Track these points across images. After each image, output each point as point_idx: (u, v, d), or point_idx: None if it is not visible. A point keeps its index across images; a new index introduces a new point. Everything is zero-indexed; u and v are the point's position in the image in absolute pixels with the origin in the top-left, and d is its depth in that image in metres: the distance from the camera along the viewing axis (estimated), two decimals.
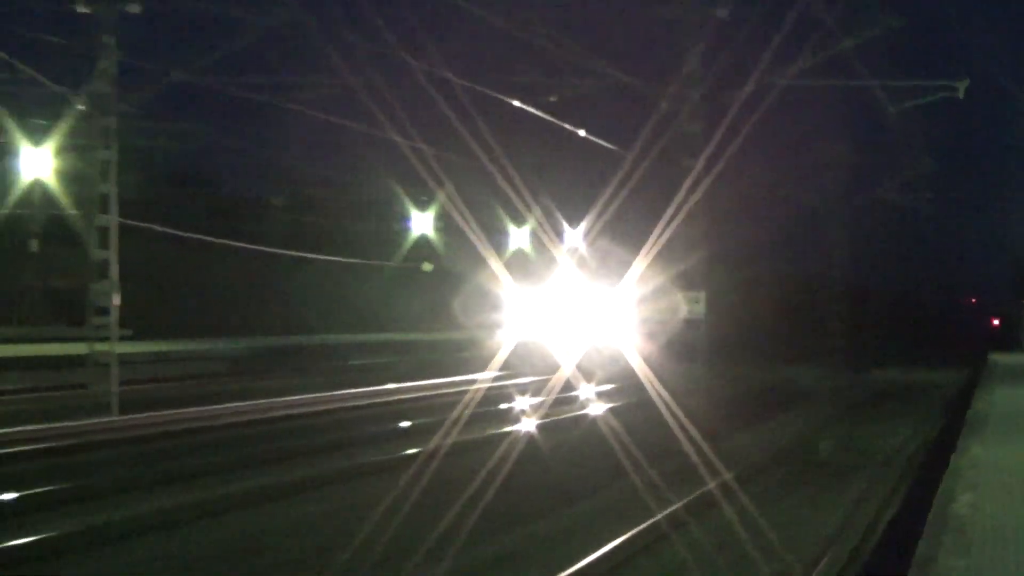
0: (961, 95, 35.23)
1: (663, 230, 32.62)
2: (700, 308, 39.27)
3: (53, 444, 22.73)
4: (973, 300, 78.53)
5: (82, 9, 30.47)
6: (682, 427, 25.15)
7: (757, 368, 50.63)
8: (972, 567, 10.61)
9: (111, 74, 30.71)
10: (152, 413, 26.51)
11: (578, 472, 22.55)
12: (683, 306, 37.69)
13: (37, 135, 35.66)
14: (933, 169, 58.44)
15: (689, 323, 40.15)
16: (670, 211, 33.48)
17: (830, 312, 64.60)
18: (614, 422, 28.02)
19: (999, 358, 53.45)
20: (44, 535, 15.35)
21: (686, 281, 38.64)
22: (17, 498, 16.96)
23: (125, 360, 31.98)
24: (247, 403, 29.51)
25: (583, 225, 37.35)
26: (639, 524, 17.35)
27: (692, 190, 33.22)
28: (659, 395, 29.74)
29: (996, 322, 70.50)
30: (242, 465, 21.89)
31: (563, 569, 14.43)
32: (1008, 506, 14.43)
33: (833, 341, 61.49)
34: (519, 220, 39.66)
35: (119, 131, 31.68)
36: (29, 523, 15.89)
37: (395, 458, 19.88)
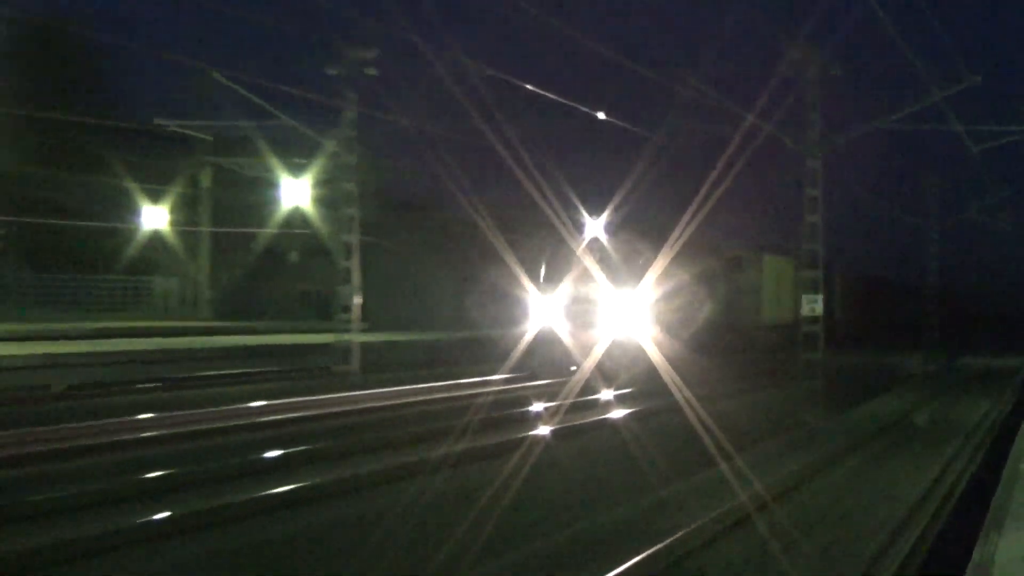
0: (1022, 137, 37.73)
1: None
2: (819, 308, 37.66)
3: (313, 412, 23.31)
4: None
5: (331, 71, 32.12)
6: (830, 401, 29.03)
7: (867, 356, 51.18)
8: None
9: (353, 121, 32.38)
10: (384, 389, 27.02)
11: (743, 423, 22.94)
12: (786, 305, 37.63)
13: (296, 171, 38.93)
14: (1009, 194, 61.69)
15: (809, 320, 37.64)
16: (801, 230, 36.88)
17: (928, 310, 67.43)
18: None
19: None
20: (312, 481, 15.81)
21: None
22: (281, 455, 17.30)
23: (364, 347, 34.00)
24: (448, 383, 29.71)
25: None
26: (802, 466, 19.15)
27: (811, 211, 36.33)
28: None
29: None
30: (442, 433, 20.74)
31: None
32: None
33: (929, 334, 63.52)
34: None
35: (359, 167, 33.53)
36: (294, 475, 16.13)
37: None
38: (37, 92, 41.95)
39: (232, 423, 20.73)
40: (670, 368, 29.14)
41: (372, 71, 32.60)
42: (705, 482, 17.66)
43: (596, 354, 28.42)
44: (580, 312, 30.92)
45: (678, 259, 33.29)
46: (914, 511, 15.83)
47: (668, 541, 13.00)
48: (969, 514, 14.69)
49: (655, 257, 31.58)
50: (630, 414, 24.70)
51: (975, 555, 10.06)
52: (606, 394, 28.34)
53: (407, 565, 11.40)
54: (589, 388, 27.78)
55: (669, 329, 35.06)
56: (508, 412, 23.02)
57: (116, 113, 45.46)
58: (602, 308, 30.88)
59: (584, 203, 32.31)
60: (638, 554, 12.43)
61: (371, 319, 38.37)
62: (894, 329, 65.86)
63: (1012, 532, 10.89)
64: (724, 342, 41.75)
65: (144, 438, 18.86)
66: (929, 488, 17.78)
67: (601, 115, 34.01)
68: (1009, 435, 21.52)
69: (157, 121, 42.53)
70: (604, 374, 28.64)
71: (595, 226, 31.91)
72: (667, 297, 34.08)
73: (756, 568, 13.06)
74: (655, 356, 29.62)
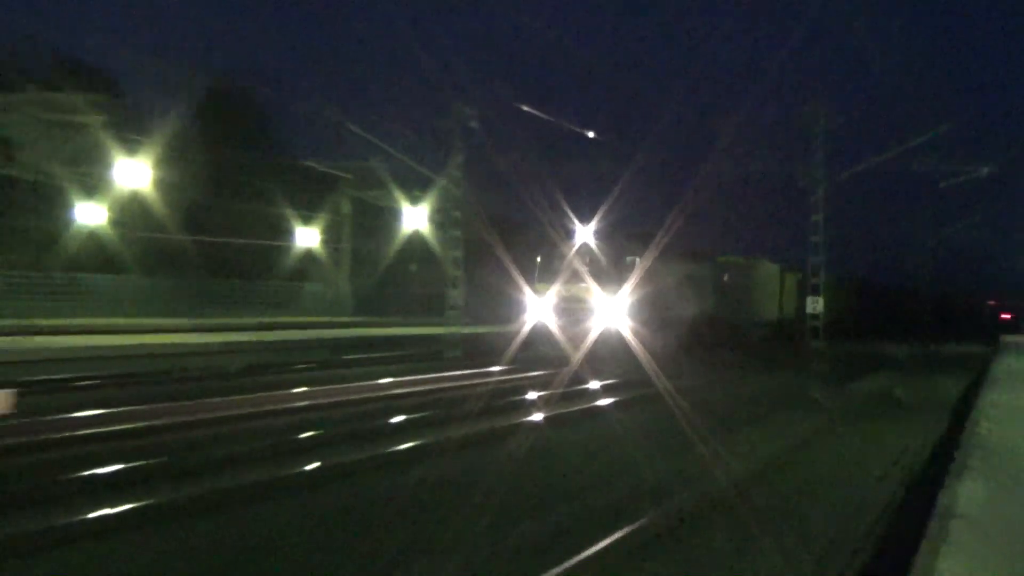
0: (984, 174, 40.75)
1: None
2: (820, 307, 38.64)
3: (427, 388, 23.84)
4: (992, 302, 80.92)
5: (440, 123, 34.83)
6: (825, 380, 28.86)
7: (861, 346, 51.61)
8: (992, 472, 12.05)
9: (461, 164, 34.67)
10: (480, 369, 27.53)
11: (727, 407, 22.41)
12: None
13: (415, 200, 41.60)
14: (979, 218, 64.65)
15: (812, 317, 39.64)
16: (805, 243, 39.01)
17: (912, 309, 71.41)
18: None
19: (1008, 339, 56.83)
20: (425, 440, 15.78)
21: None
22: (403, 419, 17.47)
23: (466, 337, 35.82)
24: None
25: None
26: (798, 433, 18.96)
27: (814, 232, 38.04)
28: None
29: (1006, 316, 74.27)
30: (511, 408, 20.84)
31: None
32: (1010, 428, 16.12)
33: (909, 328, 65.20)
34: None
35: (469, 198, 36.09)
36: (413, 435, 16.21)
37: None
38: (219, 138, 44.65)
39: (367, 395, 21.33)
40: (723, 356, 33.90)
41: (474, 124, 34.90)
42: (747, 437, 18.55)
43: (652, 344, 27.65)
44: (574, 310, 29.96)
45: (677, 265, 34.51)
46: (900, 456, 16.57)
47: (725, 482, 13.49)
48: (938, 460, 15.13)
49: (675, 266, 33.01)
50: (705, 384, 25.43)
51: (939, 500, 10.40)
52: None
53: (510, 505, 11.34)
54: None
55: (673, 324, 33.88)
56: (571, 388, 22.81)
57: (278, 155, 48.65)
58: (599, 306, 29.69)
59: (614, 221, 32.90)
60: (703, 488, 13.08)
61: (471, 315, 40.39)
62: (884, 324, 65.65)
63: (968, 480, 11.32)
64: (721, 337, 39.25)
65: (302, 406, 19.39)
66: (905, 447, 18.20)
67: (591, 134, 37.10)
68: (966, 405, 22.36)
69: (309, 162, 47.34)
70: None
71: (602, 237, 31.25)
72: (676, 296, 33.53)
73: (800, 491, 13.91)
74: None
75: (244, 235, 45.19)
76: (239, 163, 42.92)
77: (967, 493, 10.47)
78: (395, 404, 19.70)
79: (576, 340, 27.78)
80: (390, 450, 14.11)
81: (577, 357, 26.60)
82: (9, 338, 30.00)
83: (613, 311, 28.77)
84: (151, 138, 36.48)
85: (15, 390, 18.16)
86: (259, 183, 44.65)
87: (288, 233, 47.69)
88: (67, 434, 15.30)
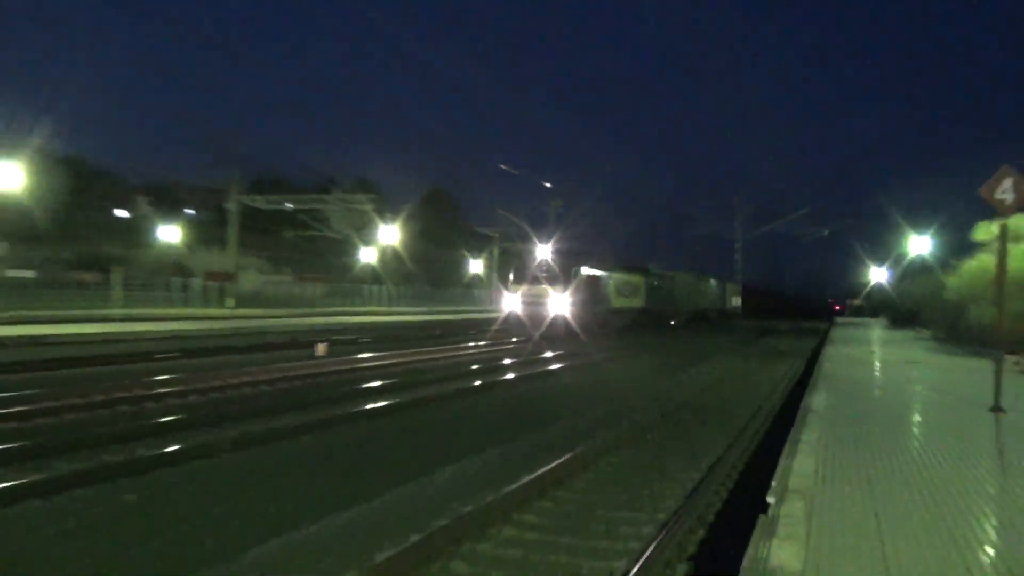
0: (825, 234, 63.53)
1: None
2: (738, 301, 48.97)
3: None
4: (831, 299, 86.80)
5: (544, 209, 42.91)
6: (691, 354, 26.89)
7: (757, 322, 58.99)
8: (832, 387, 12.89)
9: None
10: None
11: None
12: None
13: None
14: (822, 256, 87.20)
15: (734, 306, 48.70)
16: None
17: (787, 303, 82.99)
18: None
19: (838, 320, 60.96)
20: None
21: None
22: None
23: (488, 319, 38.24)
24: None
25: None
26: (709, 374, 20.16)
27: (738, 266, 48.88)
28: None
29: (838, 307, 79.81)
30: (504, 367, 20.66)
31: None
32: (844, 369, 16.50)
33: (786, 313, 74.12)
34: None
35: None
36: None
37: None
38: (433, 214, 53.77)
39: (428, 358, 20.45)
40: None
41: (559, 205, 44.10)
42: (705, 371, 20.14)
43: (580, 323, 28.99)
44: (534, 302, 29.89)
45: (620, 274, 35.35)
46: (779, 380, 18.37)
47: (685, 395, 15.11)
48: (800, 385, 16.12)
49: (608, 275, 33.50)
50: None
51: (804, 401, 11.14)
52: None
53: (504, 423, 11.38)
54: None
55: (617, 313, 34.52)
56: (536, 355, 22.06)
57: (460, 223, 58.96)
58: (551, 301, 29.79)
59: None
60: (677, 396, 14.89)
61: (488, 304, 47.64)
62: (771, 310, 75.07)
63: (817, 393, 12.07)
64: (650, 322, 39.08)
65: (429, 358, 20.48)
66: (785, 372, 20.49)
67: (548, 184, 47.91)
68: (818, 352, 23.55)
69: (477, 227, 56.67)
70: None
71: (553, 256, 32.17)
72: (617, 294, 34.17)
73: (729, 397, 15.16)
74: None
75: (443, 263, 55.72)
76: (442, 227, 53.45)
77: (817, 400, 11.12)
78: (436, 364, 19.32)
79: (536, 323, 28.97)
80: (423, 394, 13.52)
81: (536, 334, 28.01)
82: (327, 318, 35.71)
83: (562, 304, 29.42)
84: (397, 216, 44.09)
85: (327, 343, 21.14)
86: (453, 237, 55.69)
87: (465, 263, 56.47)
88: (355, 366, 17.87)
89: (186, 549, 5.69)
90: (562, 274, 30.19)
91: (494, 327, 30.96)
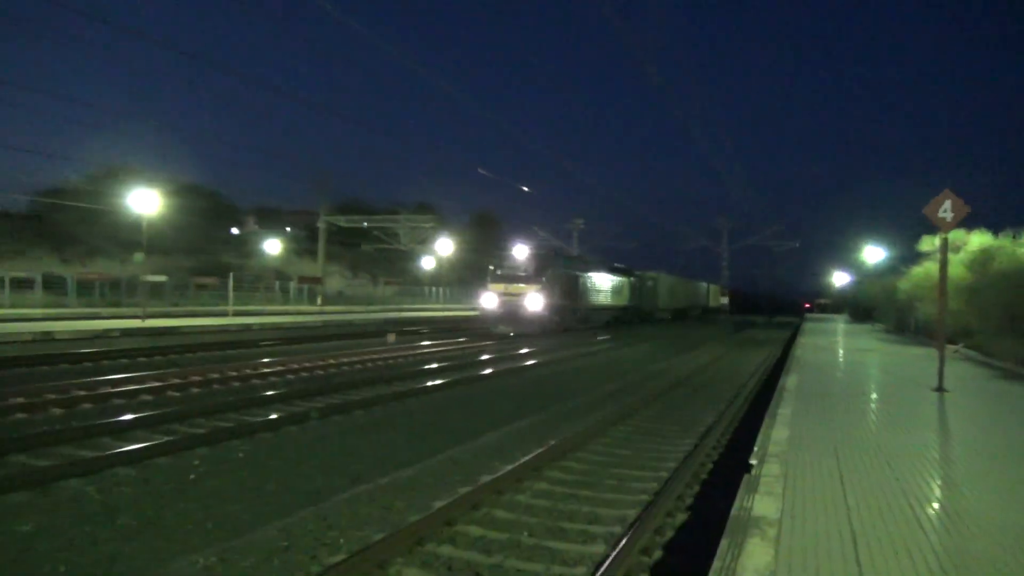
0: (796, 245, 56.20)
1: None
2: (726, 300, 48.01)
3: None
4: (804, 300, 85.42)
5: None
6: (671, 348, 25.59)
7: (740, 318, 59.06)
8: (803, 370, 12.97)
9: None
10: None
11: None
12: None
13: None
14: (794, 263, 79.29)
15: (722, 304, 47.82)
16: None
17: (765, 302, 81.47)
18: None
19: (808, 315, 60.35)
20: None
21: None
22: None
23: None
24: None
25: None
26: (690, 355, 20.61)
27: (724, 272, 47.54)
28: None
29: (808, 305, 78.36)
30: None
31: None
32: (813, 355, 16.59)
33: (764, 311, 74.22)
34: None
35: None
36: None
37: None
38: (478, 233, 53.63)
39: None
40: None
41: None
42: (691, 358, 19.86)
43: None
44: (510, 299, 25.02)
45: (612, 275, 33.48)
46: (759, 364, 18.03)
47: (683, 374, 14.96)
48: (777, 368, 16.27)
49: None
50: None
51: (780, 382, 11.20)
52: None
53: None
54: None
55: (605, 310, 32.35)
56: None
57: (503, 238, 58.98)
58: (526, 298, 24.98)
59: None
60: (671, 377, 14.78)
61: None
62: (752, 308, 77.94)
63: (790, 375, 12.13)
64: (634, 318, 37.51)
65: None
66: (764, 358, 19.98)
67: (526, 188, 46.20)
68: (791, 342, 24.14)
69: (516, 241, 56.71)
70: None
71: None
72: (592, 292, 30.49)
73: (715, 378, 14.93)
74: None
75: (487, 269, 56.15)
76: (487, 241, 53.47)
77: (790, 380, 11.22)
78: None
79: (512, 319, 24.78)
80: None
81: (512, 331, 24.58)
82: (396, 313, 35.68)
83: (537, 301, 24.66)
84: (451, 232, 44.36)
85: (396, 332, 22.19)
86: (495, 249, 55.30)
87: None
88: (417, 351, 17.96)
89: (281, 495, 5.75)
90: (539, 273, 25.54)
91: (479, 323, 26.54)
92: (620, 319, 34.58)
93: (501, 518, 5.29)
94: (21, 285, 30.78)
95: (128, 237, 42.90)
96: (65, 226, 41.49)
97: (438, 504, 5.34)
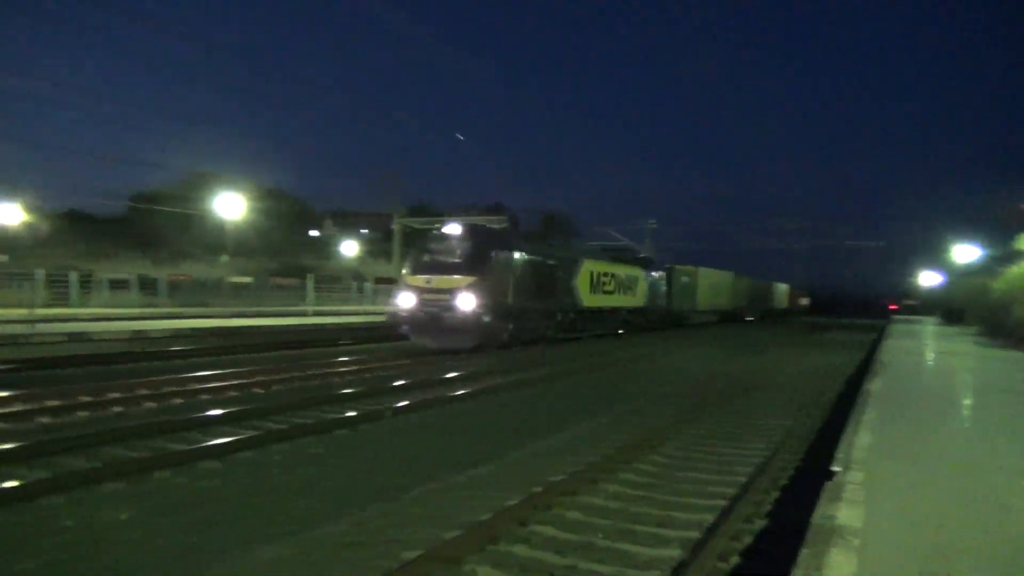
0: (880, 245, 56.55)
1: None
2: (808, 301, 44.43)
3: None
4: (887, 301, 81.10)
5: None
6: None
7: (822, 319, 58.51)
8: (889, 374, 12.12)
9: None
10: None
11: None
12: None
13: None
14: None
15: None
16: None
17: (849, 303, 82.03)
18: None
19: (895, 317, 57.19)
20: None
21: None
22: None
23: None
24: None
25: None
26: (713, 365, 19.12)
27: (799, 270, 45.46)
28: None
29: (894, 307, 74.33)
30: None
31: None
32: (898, 358, 15.83)
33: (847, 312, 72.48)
34: None
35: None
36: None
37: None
38: (547, 235, 52.69)
39: None
40: None
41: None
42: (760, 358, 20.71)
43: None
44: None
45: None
46: (840, 368, 17.30)
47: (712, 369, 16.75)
48: (862, 370, 15.34)
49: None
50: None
51: (864, 386, 10.44)
52: None
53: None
54: None
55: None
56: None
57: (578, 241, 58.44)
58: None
59: None
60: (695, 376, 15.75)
61: None
62: (834, 309, 77.73)
63: (876, 379, 11.40)
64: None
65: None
66: (847, 361, 19.47)
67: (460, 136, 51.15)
68: (874, 347, 22.40)
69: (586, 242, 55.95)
70: None
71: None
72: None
73: (794, 383, 14.08)
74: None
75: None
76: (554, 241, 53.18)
77: (875, 384, 10.62)
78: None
79: (436, 327, 17.08)
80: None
81: (437, 342, 17.25)
82: None
83: (474, 300, 16.65)
84: (528, 233, 45.13)
85: None
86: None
87: None
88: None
89: (352, 492, 5.84)
90: (478, 258, 17.31)
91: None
92: (633, 324, 27.63)
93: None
94: (117, 286, 32.55)
95: (215, 240, 44.97)
96: (156, 230, 43.70)
97: (510, 502, 5.32)
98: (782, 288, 60.93)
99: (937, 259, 46.34)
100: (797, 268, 72.12)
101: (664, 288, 31.77)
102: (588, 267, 22.99)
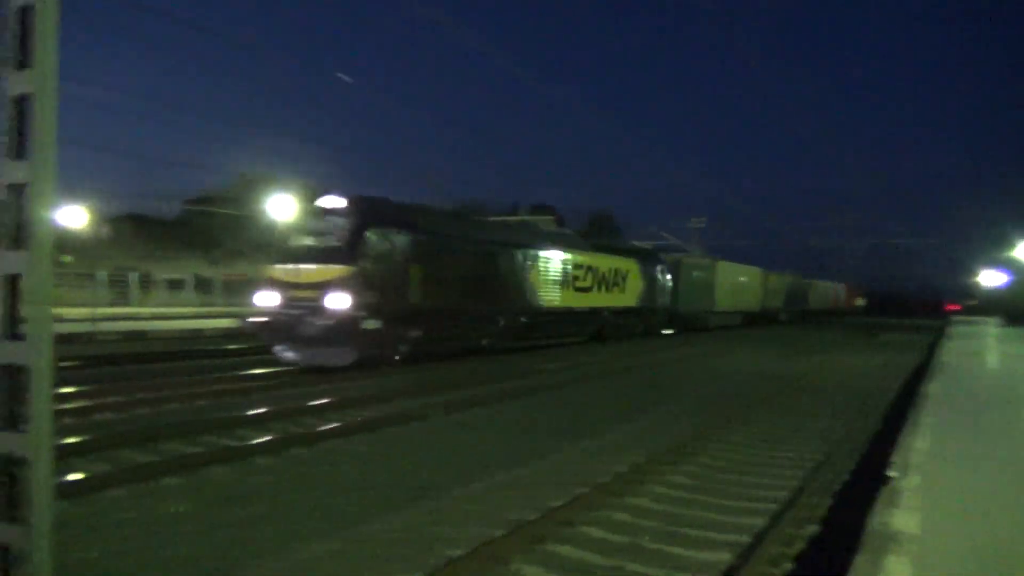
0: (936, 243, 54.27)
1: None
2: (862, 301, 43.79)
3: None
4: (944, 300, 77.61)
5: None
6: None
7: (878, 320, 54.48)
8: (948, 377, 11.76)
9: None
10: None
11: None
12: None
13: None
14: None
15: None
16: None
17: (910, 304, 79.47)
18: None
19: (955, 318, 52.22)
20: None
21: None
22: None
23: None
24: None
25: None
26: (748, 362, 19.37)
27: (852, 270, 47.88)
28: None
29: (955, 307, 71.27)
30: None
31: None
32: (961, 362, 15.02)
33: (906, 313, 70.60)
34: None
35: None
36: None
37: None
38: (594, 235, 51.67)
39: None
40: None
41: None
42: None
43: None
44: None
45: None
46: (897, 368, 16.97)
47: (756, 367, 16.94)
48: (918, 373, 14.82)
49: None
50: None
51: (921, 389, 10.13)
52: None
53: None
54: None
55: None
56: None
57: (621, 238, 57.70)
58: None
59: None
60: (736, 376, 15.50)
61: None
62: (892, 310, 75.84)
63: (934, 381, 11.16)
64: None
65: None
66: (900, 364, 18.59)
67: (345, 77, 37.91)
68: (933, 348, 21.37)
69: (633, 242, 54.95)
70: None
71: None
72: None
73: (842, 382, 14.06)
74: None
75: None
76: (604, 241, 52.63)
77: (934, 386, 10.50)
78: None
79: (302, 335, 12.54)
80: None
81: (301, 357, 12.86)
82: None
83: (350, 299, 11.97)
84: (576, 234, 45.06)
85: None
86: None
87: None
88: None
89: (396, 488, 5.90)
90: (355, 243, 12.69)
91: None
92: (623, 326, 22.88)
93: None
94: (175, 286, 33.58)
95: (267, 241, 45.84)
96: (210, 231, 44.84)
97: (555, 503, 5.32)
98: (826, 286, 56.18)
99: (1001, 258, 44.47)
100: (853, 267, 69.14)
101: (668, 285, 27.01)
102: (550, 257, 18.31)
